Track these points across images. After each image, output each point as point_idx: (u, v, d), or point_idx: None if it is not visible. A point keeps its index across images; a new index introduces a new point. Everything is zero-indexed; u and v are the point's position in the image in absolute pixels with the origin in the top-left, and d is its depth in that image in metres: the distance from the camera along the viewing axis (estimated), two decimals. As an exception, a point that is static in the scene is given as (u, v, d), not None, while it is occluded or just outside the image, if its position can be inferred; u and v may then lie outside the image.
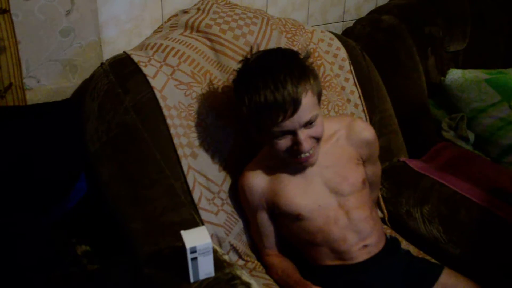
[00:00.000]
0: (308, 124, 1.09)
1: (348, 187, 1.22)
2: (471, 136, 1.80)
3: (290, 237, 1.28)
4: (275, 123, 1.07)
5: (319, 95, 1.14)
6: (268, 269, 1.30)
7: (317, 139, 1.14)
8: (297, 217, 1.21)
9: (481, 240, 1.28)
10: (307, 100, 1.07)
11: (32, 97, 1.28)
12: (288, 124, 1.07)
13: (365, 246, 1.21)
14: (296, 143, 1.10)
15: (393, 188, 1.49)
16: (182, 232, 1.01)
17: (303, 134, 1.09)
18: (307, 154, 1.13)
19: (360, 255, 1.21)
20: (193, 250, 0.98)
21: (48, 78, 1.29)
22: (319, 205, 1.20)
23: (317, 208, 1.20)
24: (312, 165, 1.18)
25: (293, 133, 1.09)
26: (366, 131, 1.27)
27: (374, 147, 1.31)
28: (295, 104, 1.04)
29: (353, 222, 1.21)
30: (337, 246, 1.20)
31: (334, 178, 1.22)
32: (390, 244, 1.29)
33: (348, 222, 1.21)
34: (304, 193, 1.21)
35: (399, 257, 1.27)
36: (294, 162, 1.16)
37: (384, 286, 1.19)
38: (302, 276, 1.23)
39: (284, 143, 1.11)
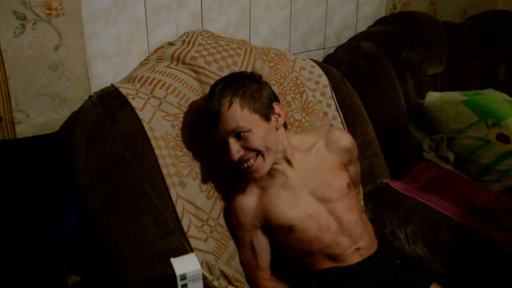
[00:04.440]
0: (237, 134, 1.18)
1: (334, 193, 1.27)
2: (451, 156, 1.85)
3: (287, 249, 1.31)
4: (210, 127, 1.21)
5: (259, 113, 1.20)
6: None
7: (256, 152, 1.20)
8: (290, 229, 1.25)
9: (463, 258, 1.32)
10: (231, 112, 1.17)
11: (22, 131, 1.30)
12: (219, 131, 1.19)
13: (358, 249, 1.27)
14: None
15: (377, 209, 1.53)
16: (172, 260, 1.03)
17: (232, 142, 1.19)
18: (246, 165, 1.20)
19: (353, 258, 1.26)
20: (183, 277, 1.00)
21: (37, 112, 1.31)
22: (309, 215, 1.25)
23: (308, 217, 1.25)
24: (257, 178, 1.24)
25: (226, 141, 1.19)
26: (344, 139, 1.35)
27: (354, 152, 1.39)
28: (217, 112, 1.18)
29: (344, 226, 1.26)
30: (331, 251, 1.26)
31: (319, 187, 1.27)
32: (384, 251, 1.34)
33: (340, 227, 1.26)
34: (293, 205, 1.26)
35: (393, 264, 1.32)
36: (241, 171, 1.24)
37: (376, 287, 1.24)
38: (297, 281, 1.27)
39: (224, 151, 1.22)
